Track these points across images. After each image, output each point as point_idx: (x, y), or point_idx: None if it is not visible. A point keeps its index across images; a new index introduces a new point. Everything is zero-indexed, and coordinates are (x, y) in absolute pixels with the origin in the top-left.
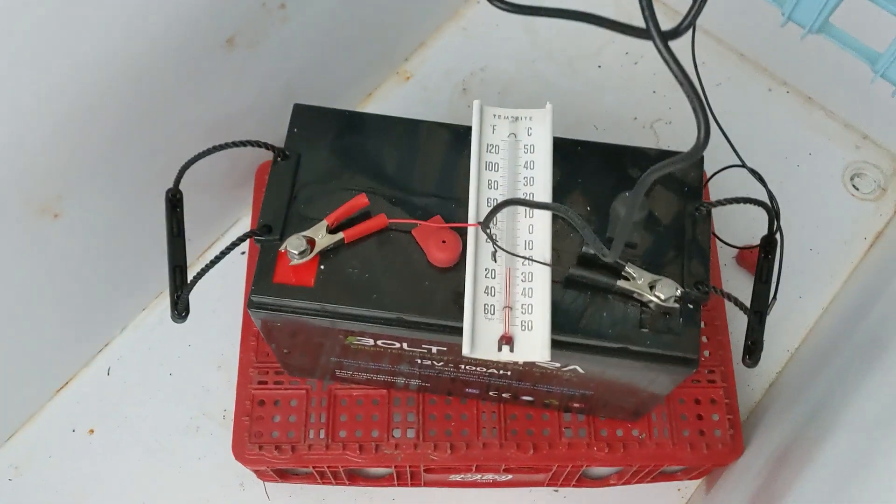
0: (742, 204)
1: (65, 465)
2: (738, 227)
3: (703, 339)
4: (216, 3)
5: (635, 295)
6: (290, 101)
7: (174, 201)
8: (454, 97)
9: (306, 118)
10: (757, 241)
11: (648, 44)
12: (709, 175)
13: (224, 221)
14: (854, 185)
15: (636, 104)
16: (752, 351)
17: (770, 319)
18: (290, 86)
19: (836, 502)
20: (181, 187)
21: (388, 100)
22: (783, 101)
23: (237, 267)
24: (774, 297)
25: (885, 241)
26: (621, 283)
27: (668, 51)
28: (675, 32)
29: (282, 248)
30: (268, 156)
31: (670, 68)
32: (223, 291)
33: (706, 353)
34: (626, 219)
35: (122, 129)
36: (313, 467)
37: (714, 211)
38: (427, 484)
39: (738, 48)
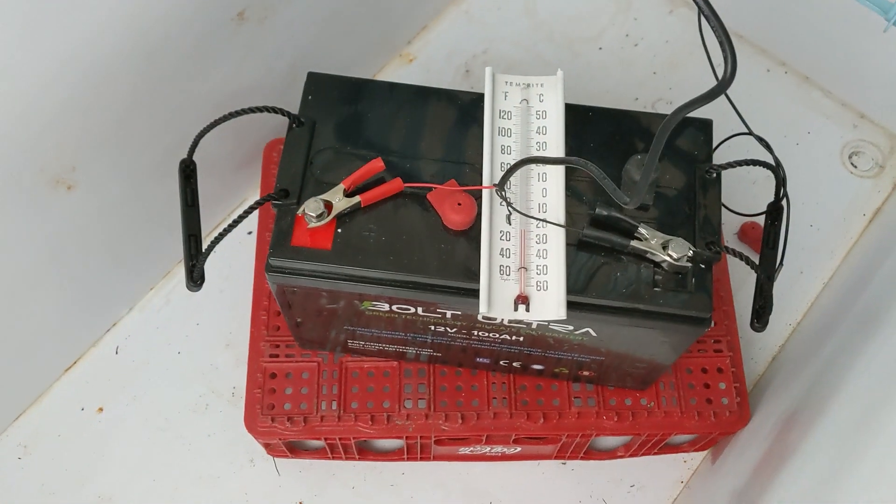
0: (744, 174)
1: (73, 443)
2: (739, 205)
3: None
4: None
5: (648, 255)
6: (296, 79)
7: (188, 171)
8: (457, 79)
9: (320, 86)
10: (758, 220)
11: (649, 26)
12: (716, 144)
13: (230, 201)
14: (853, 163)
15: (637, 85)
16: (761, 315)
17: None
18: (296, 64)
19: (838, 464)
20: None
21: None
22: (782, 82)
23: (244, 246)
24: (781, 263)
25: (884, 217)
26: (634, 244)
27: None
28: None
29: (299, 212)
30: (274, 134)
31: (697, 2)
32: (230, 271)
33: (712, 322)
34: (651, 158)
35: (133, 101)
36: (325, 439)
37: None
38: (437, 457)
39: (737, 30)
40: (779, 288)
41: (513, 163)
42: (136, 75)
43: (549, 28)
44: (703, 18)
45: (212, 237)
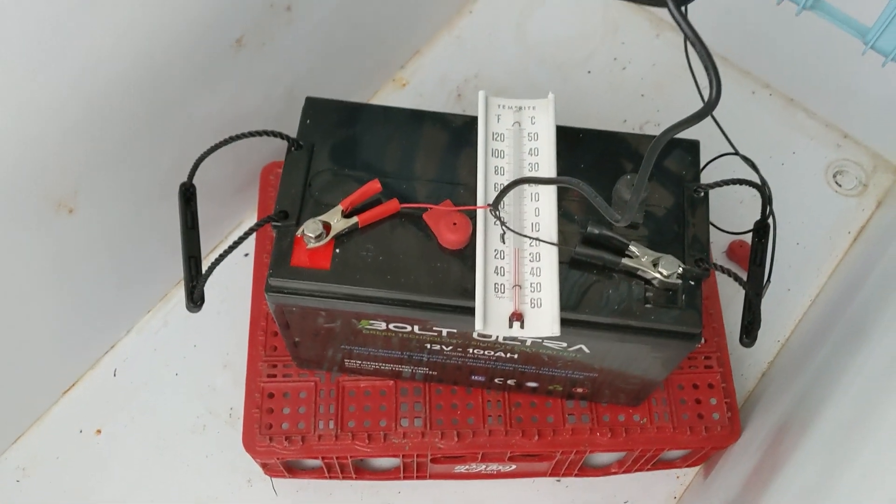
0: (732, 194)
1: (72, 465)
2: (726, 224)
3: None
4: (228, 2)
5: (639, 272)
6: (293, 103)
7: (188, 195)
8: (449, 103)
9: (318, 110)
10: (745, 239)
11: (636, 50)
12: (703, 164)
13: (227, 224)
14: (837, 182)
15: (626, 107)
16: (750, 330)
17: (761, 310)
18: (293, 89)
19: (825, 476)
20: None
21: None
22: (767, 103)
23: (240, 268)
24: (769, 280)
25: (868, 234)
26: (625, 261)
27: (682, 15)
28: None
29: (298, 233)
30: (271, 157)
31: (683, 30)
32: (227, 293)
33: (703, 339)
34: (641, 177)
35: (135, 126)
36: (322, 458)
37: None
38: (433, 476)
39: (723, 53)
40: (767, 305)
41: (506, 183)
42: (139, 101)
43: (538, 52)
44: (688, 43)
45: (209, 259)
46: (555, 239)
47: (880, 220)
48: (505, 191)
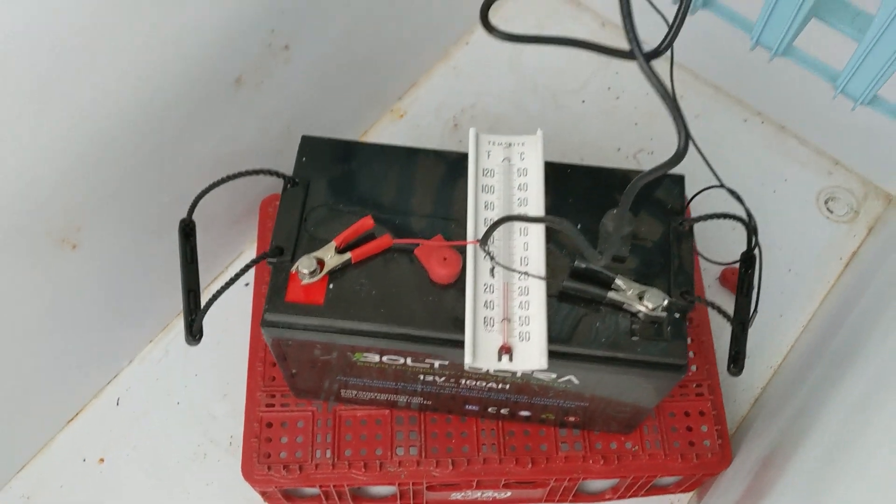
0: (723, 222)
1: (75, 494)
2: (720, 251)
3: (691, 354)
4: (227, 43)
5: (625, 305)
6: (291, 138)
7: (188, 231)
8: (445, 133)
9: (314, 148)
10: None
11: (629, 79)
12: (690, 196)
13: (227, 255)
14: (828, 209)
15: (619, 136)
16: (736, 360)
17: (753, 337)
18: (291, 124)
19: (809, 501)
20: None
21: (383, 137)
22: (758, 131)
23: (241, 298)
24: (756, 310)
25: (859, 261)
26: (612, 295)
27: (650, 69)
28: (657, 53)
29: (293, 269)
30: (270, 190)
31: (652, 84)
32: (227, 322)
33: (693, 367)
34: (618, 221)
35: (136, 163)
36: (320, 486)
37: (698, 234)
38: (429, 503)
39: (714, 82)
40: (760, 331)
41: (496, 219)
42: (140, 139)
43: (533, 82)
44: (672, 80)
45: (209, 289)
46: (543, 272)
47: (871, 246)
48: (493, 227)
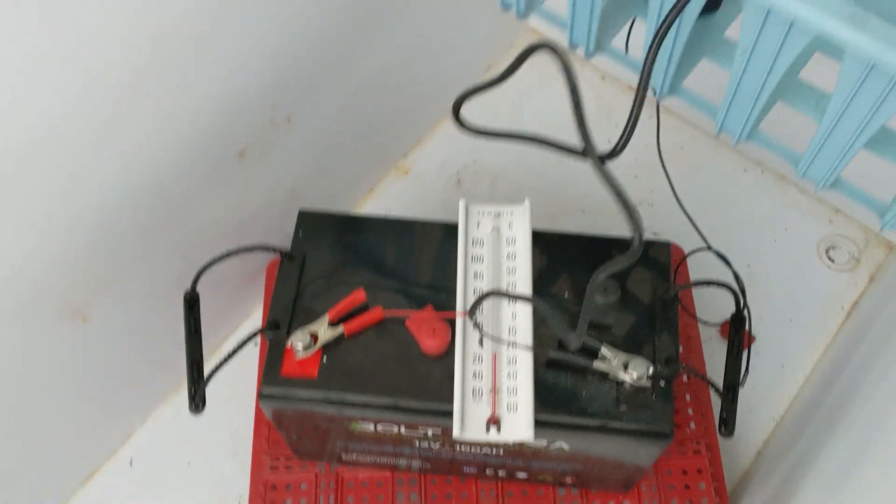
0: (720, 274)
1: None
2: (720, 304)
3: (689, 411)
4: (230, 119)
5: (610, 375)
6: (296, 202)
7: (191, 302)
8: (449, 188)
9: (310, 223)
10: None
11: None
12: (686, 253)
13: (237, 316)
14: (829, 258)
15: None
16: (727, 423)
17: (755, 389)
18: (296, 189)
19: None
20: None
21: (388, 193)
22: (758, 181)
23: (250, 357)
24: (747, 371)
25: (861, 309)
26: (597, 364)
27: (603, 170)
28: (612, 153)
29: (288, 344)
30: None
31: (605, 185)
32: (237, 381)
33: (692, 424)
34: (585, 310)
35: (144, 236)
36: None
37: (695, 290)
38: None
39: (714, 133)
40: (761, 383)
41: (485, 289)
42: (148, 214)
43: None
44: (658, 135)
45: (220, 350)
46: (530, 342)
47: (873, 294)
48: (478, 301)
